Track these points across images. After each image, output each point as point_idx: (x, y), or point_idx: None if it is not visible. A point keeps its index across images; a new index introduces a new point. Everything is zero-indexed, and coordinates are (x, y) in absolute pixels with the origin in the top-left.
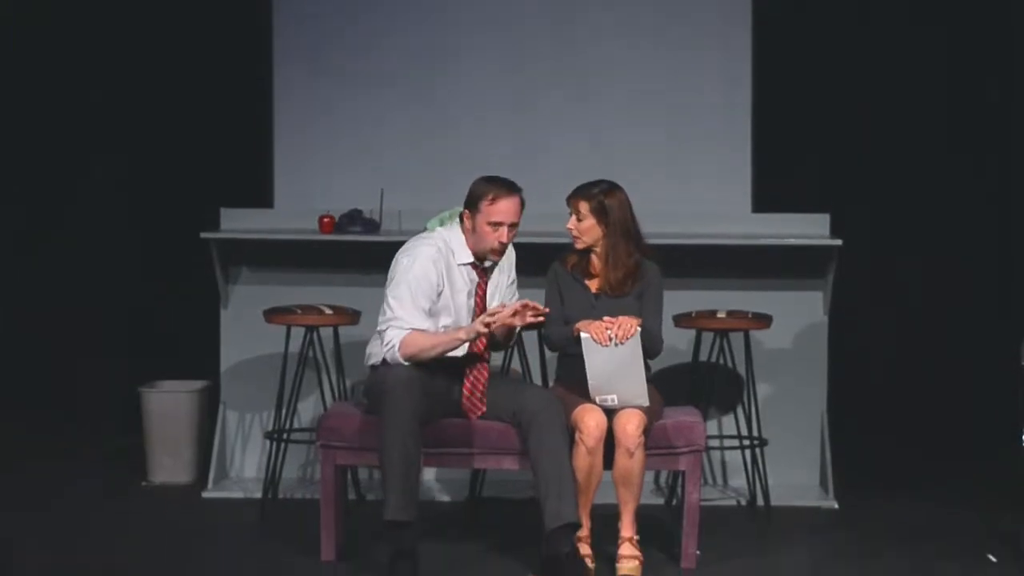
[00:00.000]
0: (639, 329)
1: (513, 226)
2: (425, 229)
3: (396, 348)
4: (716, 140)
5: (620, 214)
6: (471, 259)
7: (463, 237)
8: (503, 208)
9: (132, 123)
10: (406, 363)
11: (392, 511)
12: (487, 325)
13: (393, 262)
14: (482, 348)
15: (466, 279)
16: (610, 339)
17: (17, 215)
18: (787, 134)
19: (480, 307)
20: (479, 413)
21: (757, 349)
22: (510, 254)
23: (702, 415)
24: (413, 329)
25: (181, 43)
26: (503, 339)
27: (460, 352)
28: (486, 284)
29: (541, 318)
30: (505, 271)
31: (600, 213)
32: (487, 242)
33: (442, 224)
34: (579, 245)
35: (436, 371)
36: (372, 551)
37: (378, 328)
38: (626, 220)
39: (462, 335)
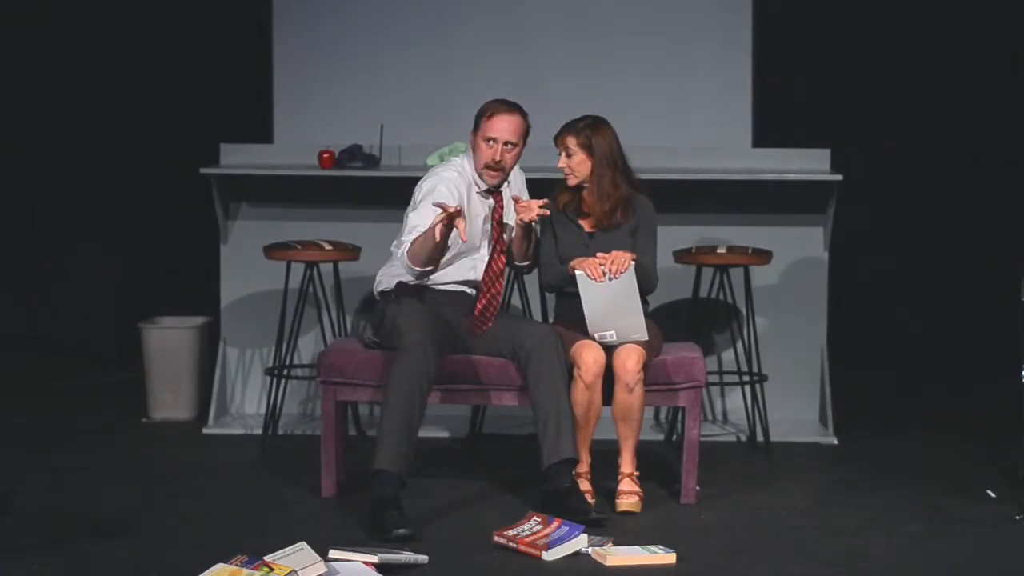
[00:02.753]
0: (633, 262)
1: (510, 146)
2: (426, 164)
3: (405, 252)
4: (716, 74)
5: (606, 147)
6: (487, 186)
7: None
8: (497, 124)
9: (132, 58)
10: (416, 268)
11: (382, 460)
12: (459, 210)
13: (416, 188)
14: (502, 267)
15: (484, 205)
16: (604, 274)
17: (15, 146)
18: (788, 68)
19: (497, 231)
20: (484, 329)
21: (757, 285)
22: (519, 177)
23: (702, 351)
24: None
25: None
26: (518, 252)
27: (478, 273)
28: (502, 208)
29: (542, 211)
30: (517, 192)
31: (588, 148)
32: (481, 158)
33: (442, 159)
34: (571, 182)
35: (445, 304)
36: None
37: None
38: (612, 152)
39: (437, 216)
